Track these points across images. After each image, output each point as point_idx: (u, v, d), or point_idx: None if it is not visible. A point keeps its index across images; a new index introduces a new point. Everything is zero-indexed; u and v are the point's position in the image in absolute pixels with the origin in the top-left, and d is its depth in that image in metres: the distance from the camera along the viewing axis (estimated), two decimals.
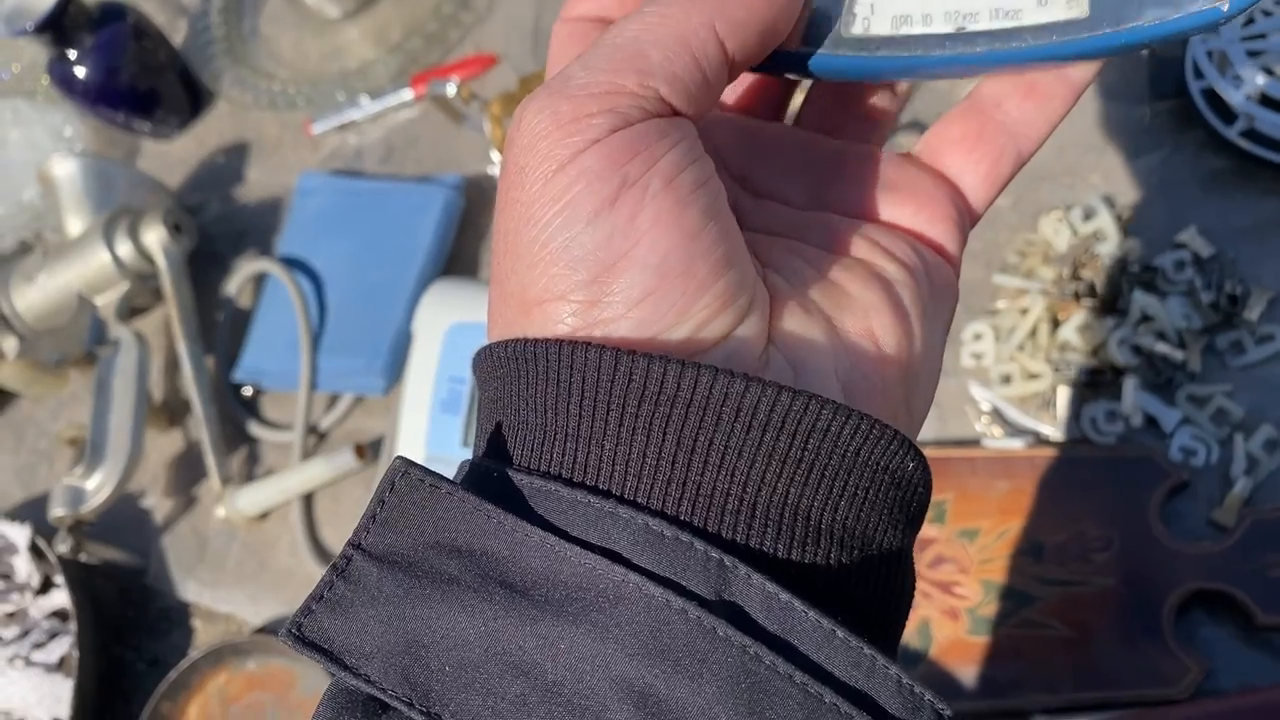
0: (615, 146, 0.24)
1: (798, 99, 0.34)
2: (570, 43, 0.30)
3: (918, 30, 0.28)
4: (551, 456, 0.25)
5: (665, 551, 0.23)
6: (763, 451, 0.24)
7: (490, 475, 0.25)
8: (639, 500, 0.24)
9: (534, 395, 0.25)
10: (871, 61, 0.29)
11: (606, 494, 0.24)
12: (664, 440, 0.24)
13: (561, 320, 0.25)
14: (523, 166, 0.25)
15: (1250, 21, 0.68)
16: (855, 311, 0.27)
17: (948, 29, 0.28)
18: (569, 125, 0.24)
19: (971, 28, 0.27)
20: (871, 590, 0.25)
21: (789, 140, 0.31)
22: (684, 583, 0.23)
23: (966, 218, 0.30)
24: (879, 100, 0.32)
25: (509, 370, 0.26)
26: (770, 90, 0.34)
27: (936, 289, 0.29)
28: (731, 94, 0.34)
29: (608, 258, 0.24)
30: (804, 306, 0.27)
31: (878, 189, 0.30)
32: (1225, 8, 0.25)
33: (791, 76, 0.32)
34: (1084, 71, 0.29)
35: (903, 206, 0.30)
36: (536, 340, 0.25)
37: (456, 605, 0.23)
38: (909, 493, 0.26)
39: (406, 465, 0.25)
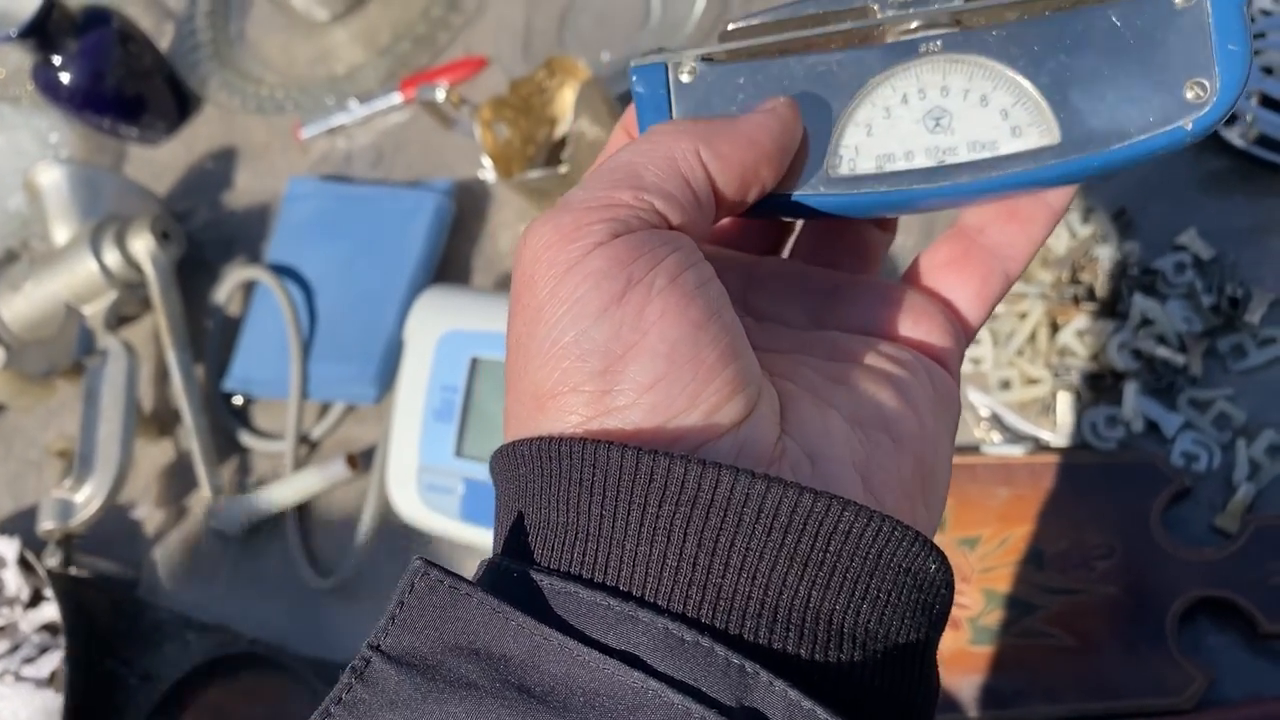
0: (619, 249, 0.25)
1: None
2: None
3: (901, 166, 0.30)
4: (572, 556, 0.25)
5: (685, 656, 0.23)
6: (784, 554, 0.24)
7: (510, 575, 0.25)
8: (659, 602, 0.24)
9: (555, 494, 0.25)
10: (859, 199, 0.30)
11: (627, 595, 0.24)
12: (685, 541, 0.24)
13: (575, 410, 0.25)
14: (531, 276, 0.26)
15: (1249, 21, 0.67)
16: (868, 405, 0.28)
17: (929, 164, 0.29)
18: (571, 234, 0.26)
19: (951, 161, 0.29)
20: (895, 693, 0.25)
21: (786, 271, 0.33)
22: (704, 689, 0.23)
23: (962, 334, 0.32)
24: (869, 234, 0.33)
25: (529, 469, 0.26)
26: (766, 229, 0.35)
27: (941, 395, 0.30)
28: (728, 234, 0.35)
29: (618, 348, 0.25)
30: (817, 400, 0.28)
31: (878, 307, 0.31)
32: (1189, 126, 0.28)
33: (785, 218, 0.33)
34: (1061, 196, 0.31)
35: (903, 321, 0.31)
36: (557, 438, 0.25)
37: (474, 711, 0.23)
38: (931, 594, 0.26)
39: (426, 566, 0.25)
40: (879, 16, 0.30)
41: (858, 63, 0.30)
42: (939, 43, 0.30)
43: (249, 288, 0.92)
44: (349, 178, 0.94)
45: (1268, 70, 0.66)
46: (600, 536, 0.24)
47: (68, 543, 0.82)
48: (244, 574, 0.84)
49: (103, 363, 0.86)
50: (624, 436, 0.25)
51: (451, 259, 0.87)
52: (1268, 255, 0.66)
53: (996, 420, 0.68)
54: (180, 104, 1.04)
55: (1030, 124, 0.29)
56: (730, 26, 0.32)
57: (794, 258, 0.34)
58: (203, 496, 0.85)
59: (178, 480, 0.90)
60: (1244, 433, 0.63)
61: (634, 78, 0.32)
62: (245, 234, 0.97)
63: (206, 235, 0.98)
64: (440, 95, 0.81)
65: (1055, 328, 0.68)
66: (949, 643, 0.63)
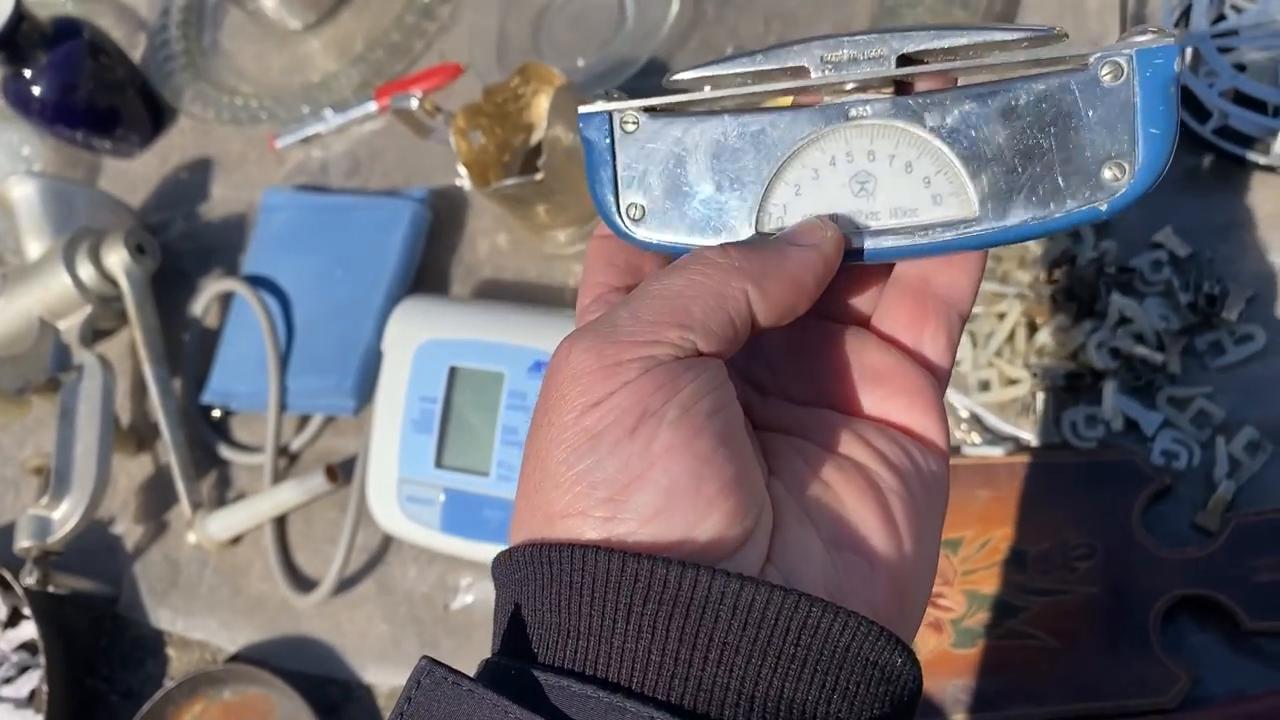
0: (644, 383, 0.27)
1: None
2: (607, 255, 0.34)
3: None
4: (565, 653, 0.27)
5: None
6: (758, 648, 0.26)
7: (508, 672, 0.27)
8: (646, 692, 0.26)
9: (550, 595, 0.27)
10: None
11: (616, 687, 0.26)
12: (667, 637, 0.26)
13: (582, 532, 0.27)
14: (564, 395, 0.28)
15: (1221, 18, 0.67)
16: (848, 526, 0.30)
17: (852, 227, 0.31)
18: (611, 368, 0.28)
19: (874, 225, 0.31)
20: None
21: (786, 332, 0.33)
22: None
23: (942, 390, 0.34)
24: (855, 285, 0.35)
25: (526, 573, 0.28)
26: None
27: (928, 489, 0.32)
28: None
29: (625, 479, 0.27)
30: (802, 521, 0.30)
31: (870, 384, 0.33)
32: (1104, 208, 0.29)
33: None
34: None
35: (893, 401, 0.33)
36: (551, 544, 0.27)
37: None
38: (899, 687, 0.28)
39: (431, 665, 0.27)
40: (813, 77, 0.31)
41: (790, 123, 0.31)
42: (869, 108, 0.30)
43: (226, 300, 0.91)
44: (325, 187, 0.94)
45: (1241, 67, 0.66)
46: (590, 634, 0.27)
47: (45, 561, 0.81)
48: (225, 588, 0.84)
49: (78, 378, 0.85)
50: (617, 550, 0.27)
51: (429, 268, 0.87)
52: (1244, 251, 0.66)
53: (976, 421, 0.68)
54: (154, 116, 1.03)
55: (950, 193, 0.30)
56: (674, 76, 0.33)
57: None
58: (182, 511, 0.84)
59: (157, 495, 0.89)
60: (1223, 430, 0.63)
61: (581, 125, 0.33)
62: (222, 246, 0.96)
63: (182, 247, 0.97)
64: (414, 104, 0.81)
65: (1033, 328, 0.67)
66: (931, 645, 0.63)
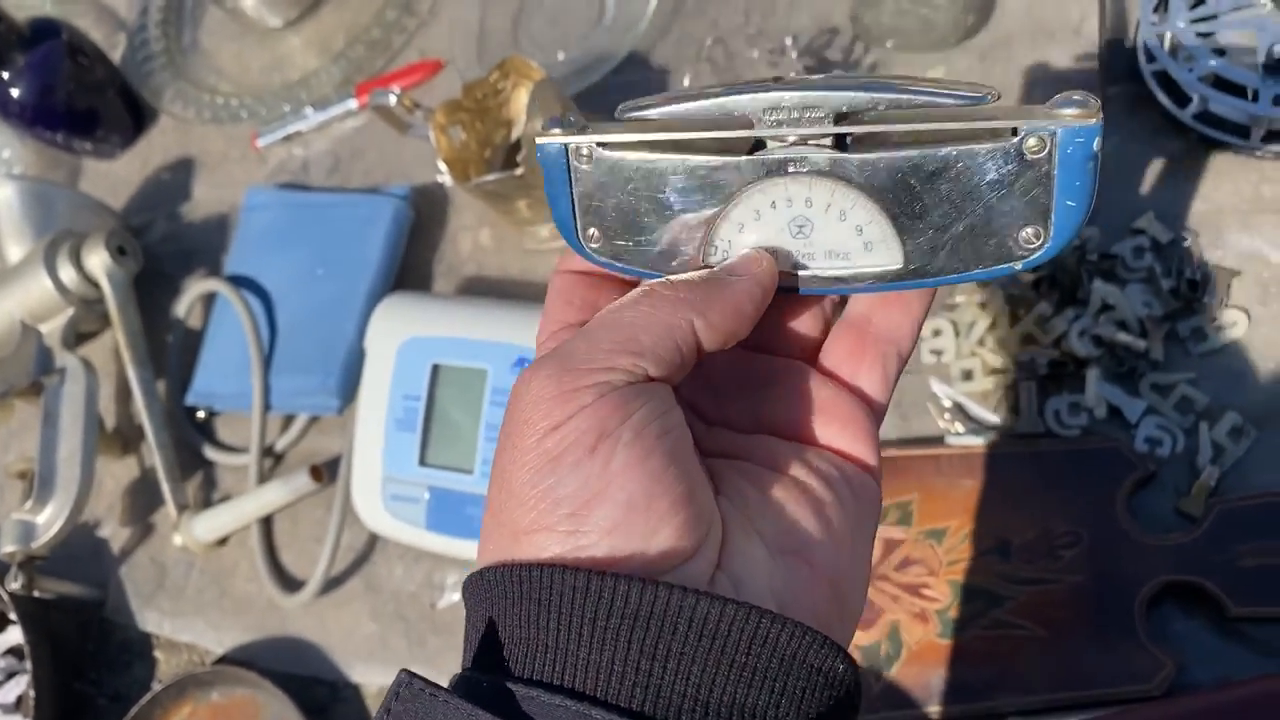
0: (601, 408, 0.30)
1: None
2: (566, 293, 0.36)
3: None
4: (535, 665, 0.29)
5: None
6: (713, 657, 0.28)
7: (480, 685, 0.29)
8: (610, 701, 0.28)
9: (519, 612, 0.29)
10: None
11: (583, 696, 0.28)
12: (629, 649, 0.28)
13: (547, 547, 0.29)
14: (526, 419, 0.30)
15: (1200, 3, 0.67)
16: (790, 534, 0.32)
17: (790, 265, 0.33)
18: (569, 393, 0.30)
19: (809, 265, 0.33)
20: None
21: (731, 363, 0.36)
22: None
23: (877, 421, 0.36)
24: (800, 324, 0.37)
25: (497, 591, 0.30)
26: None
27: (862, 505, 0.34)
28: None
29: (585, 496, 0.29)
30: (747, 531, 0.32)
31: (807, 413, 0.35)
32: (1018, 267, 0.32)
33: None
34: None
35: (829, 426, 0.35)
36: (521, 564, 0.29)
37: None
38: (841, 691, 0.30)
39: (410, 677, 0.29)
40: (756, 130, 0.33)
41: (735, 170, 0.33)
42: (806, 164, 0.32)
43: (209, 300, 0.91)
44: (306, 186, 0.93)
45: (1221, 51, 0.66)
46: (558, 648, 0.28)
47: (30, 565, 0.81)
48: (211, 590, 0.83)
49: (61, 381, 0.84)
50: (583, 569, 0.29)
51: (411, 265, 0.86)
52: (1225, 236, 0.66)
53: (960, 411, 0.68)
54: (135, 116, 1.02)
55: (880, 241, 0.32)
56: (628, 114, 0.34)
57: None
58: (168, 513, 0.84)
59: (142, 497, 0.89)
60: (1206, 415, 0.63)
61: (538, 154, 0.35)
62: (204, 246, 0.96)
63: (165, 248, 0.97)
64: (392, 100, 0.80)
65: (1016, 316, 0.67)
66: (918, 636, 0.63)
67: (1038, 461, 0.64)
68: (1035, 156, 0.30)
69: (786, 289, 0.34)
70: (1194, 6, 0.67)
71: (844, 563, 0.33)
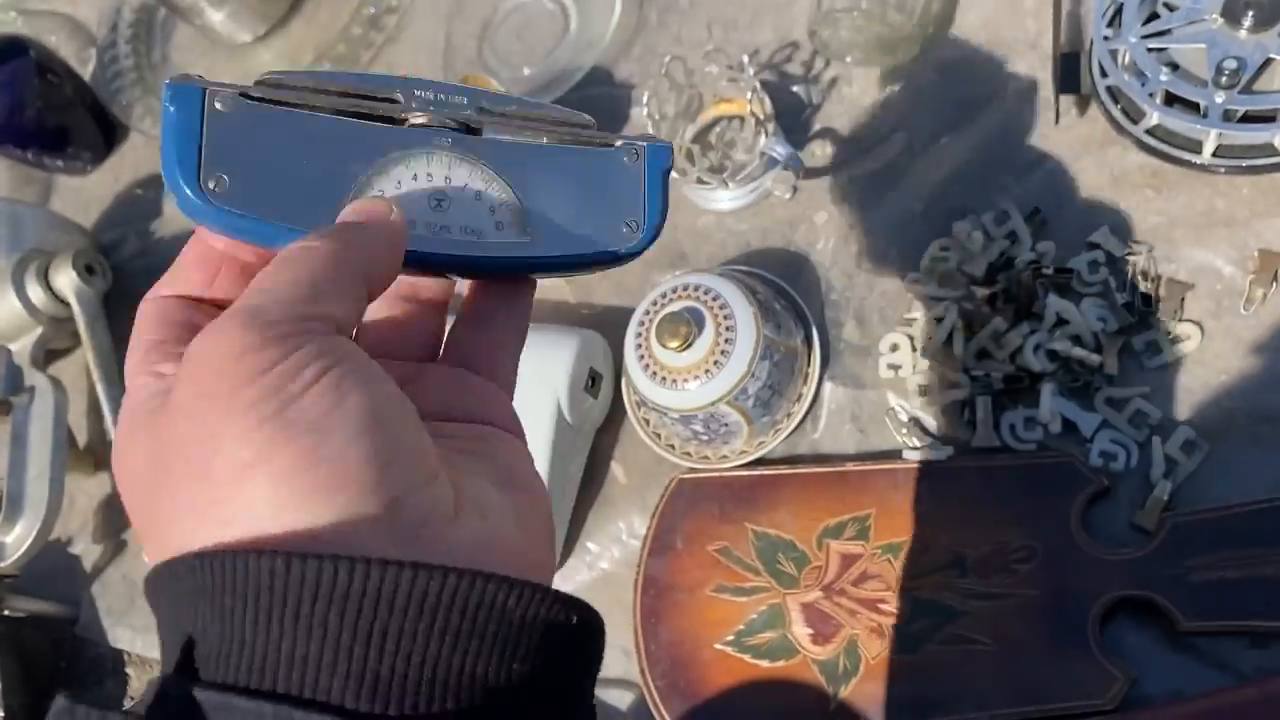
0: (311, 350, 0.28)
1: None
2: (162, 314, 0.34)
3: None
4: (236, 663, 0.25)
5: None
6: (436, 630, 0.26)
7: (169, 694, 0.25)
8: (320, 698, 0.25)
9: (212, 606, 0.26)
10: None
11: (285, 696, 0.25)
12: (341, 633, 0.25)
13: (282, 469, 0.26)
14: (232, 371, 0.27)
15: (1154, 17, 0.67)
16: (501, 471, 0.33)
17: (427, 234, 0.35)
18: (276, 339, 0.28)
19: (445, 237, 0.35)
20: None
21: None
22: None
23: (511, 396, 0.38)
24: (424, 328, 0.38)
25: (187, 584, 0.27)
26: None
27: (527, 458, 0.36)
28: None
29: (320, 414, 0.27)
30: (467, 472, 0.32)
31: (458, 394, 0.36)
32: (621, 251, 0.37)
33: None
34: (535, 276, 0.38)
35: (478, 408, 0.36)
36: (210, 553, 0.26)
37: None
38: (583, 640, 0.30)
39: (70, 705, 0.26)
40: (401, 104, 0.35)
41: (380, 137, 0.35)
42: (449, 140, 0.36)
43: None
44: None
45: (1173, 66, 0.66)
46: (258, 643, 0.25)
47: (0, 584, 0.81)
48: None
49: (30, 400, 0.85)
50: (332, 498, 0.26)
51: None
52: (1179, 251, 0.66)
53: (916, 425, 0.68)
54: (105, 133, 1.03)
55: (510, 223, 0.36)
56: (266, 75, 0.35)
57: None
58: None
59: (115, 514, 0.89)
60: (1160, 430, 0.63)
61: (166, 94, 0.33)
62: None
63: (136, 265, 0.97)
64: None
65: (972, 331, 0.68)
66: (875, 651, 0.63)
67: (993, 476, 0.65)
68: (630, 165, 0.38)
69: (421, 261, 0.35)
70: (1146, 21, 0.67)
71: (545, 493, 0.35)
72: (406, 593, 0.25)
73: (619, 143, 0.38)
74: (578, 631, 0.29)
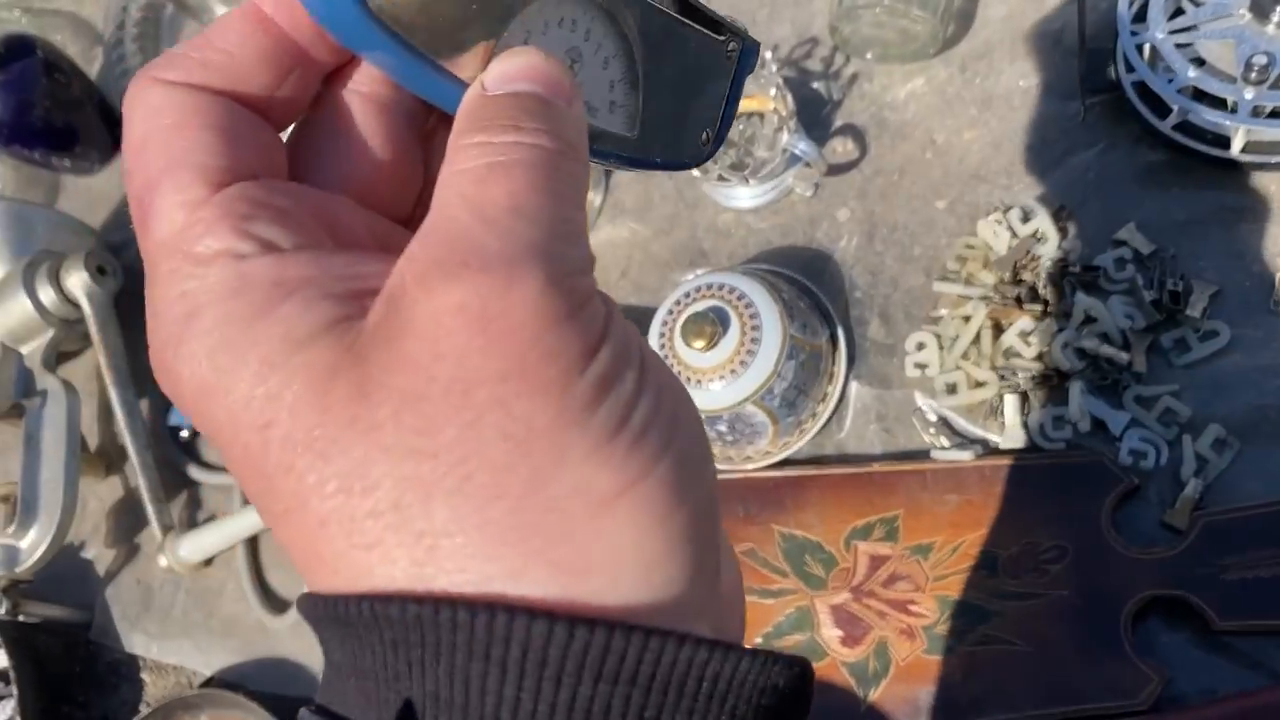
0: (625, 324, 0.23)
1: None
2: (202, 125, 0.24)
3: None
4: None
5: None
6: (652, 700, 0.21)
7: None
8: None
9: (437, 662, 0.20)
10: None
11: None
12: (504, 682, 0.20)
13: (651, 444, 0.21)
14: (546, 350, 0.21)
15: (1179, 13, 0.67)
16: None
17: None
18: (581, 307, 0.22)
19: None
20: None
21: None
22: None
23: None
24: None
25: (414, 634, 0.21)
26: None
27: None
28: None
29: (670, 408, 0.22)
30: None
31: None
32: (690, 162, 0.31)
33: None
34: None
35: None
36: (383, 597, 0.20)
37: None
38: (788, 704, 0.23)
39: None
40: None
41: None
42: None
43: None
44: None
45: (1200, 62, 0.66)
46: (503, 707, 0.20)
47: (15, 589, 0.80)
48: (198, 611, 0.83)
49: (42, 403, 0.84)
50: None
51: None
52: (1206, 247, 0.66)
53: (945, 425, 0.68)
54: (113, 132, 1.01)
55: (622, 106, 0.29)
56: None
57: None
58: (153, 534, 0.83)
59: (127, 518, 0.88)
60: (1190, 428, 0.63)
61: None
62: None
63: None
64: None
65: (999, 330, 0.67)
66: (905, 652, 0.63)
67: (1023, 475, 0.64)
68: (727, 61, 0.31)
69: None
70: (1173, 17, 0.66)
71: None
72: (581, 649, 0.20)
73: (723, 34, 0.31)
74: (793, 682, 0.23)
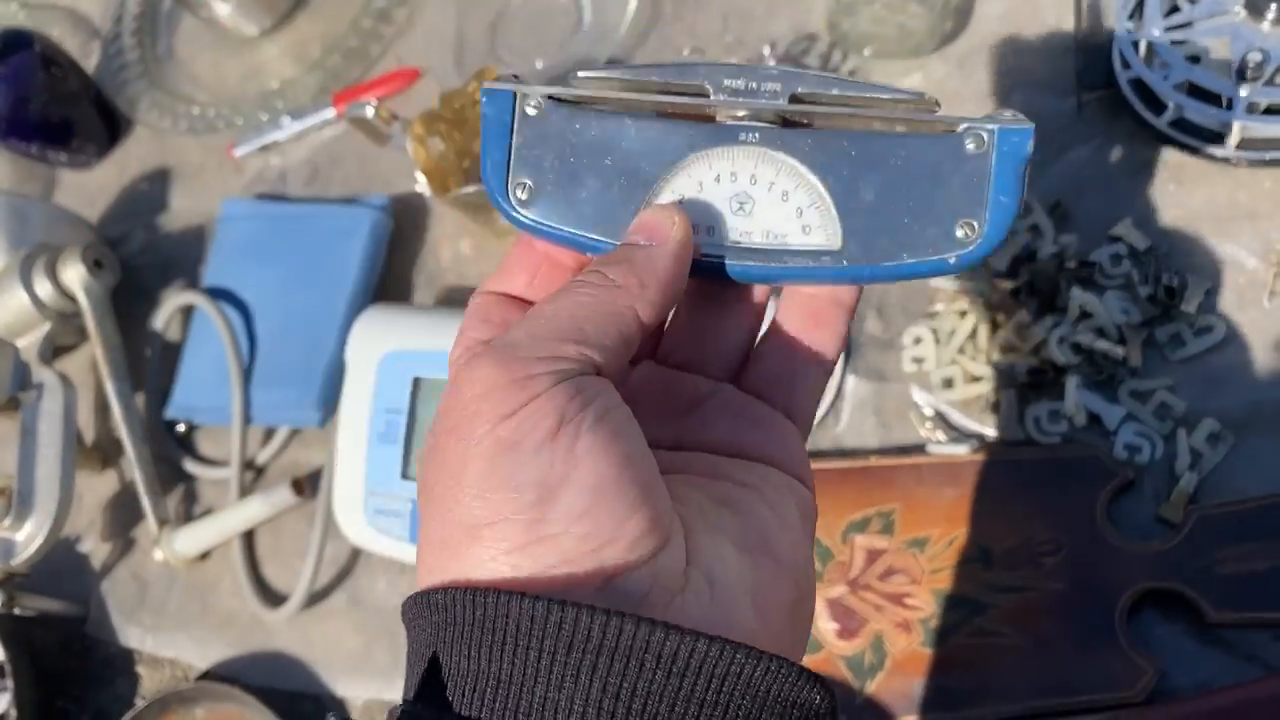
0: (557, 395, 0.28)
1: None
2: (484, 312, 0.34)
3: (701, 239, 0.33)
4: (484, 701, 0.26)
5: None
6: (681, 696, 0.26)
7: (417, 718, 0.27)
8: None
9: (468, 641, 0.27)
10: None
11: None
12: (590, 686, 0.26)
13: (507, 538, 0.27)
14: (475, 411, 0.28)
15: (1174, 9, 0.67)
16: (753, 532, 0.31)
17: (726, 241, 0.33)
18: (521, 381, 0.28)
19: (746, 244, 0.33)
20: None
21: (653, 382, 0.36)
22: None
23: (805, 436, 0.36)
24: (726, 343, 0.36)
25: (443, 616, 0.27)
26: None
27: (803, 512, 0.34)
28: None
29: (550, 481, 0.27)
30: (709, 528, 0.31)
31: (740, 431, 0.35)
32: (952, 260, 0.31)
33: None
34: (850, 294, 0.35)
35: (761, 444, 0.34)
36: (472, 585, 0.27)
37: None
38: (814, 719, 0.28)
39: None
40: (711, 99, 0.33)
41: (683, 135, 0.33)
42: (757, 135, 0.32)
43: (188, 313, 0.90)
44: (284, 196, 0.93)
45: (1195, 59, 0.66)
46: (511, 682, 0.26)
47: (10, 583, 0.80)
48: (194, 605, 0.83)
49: (39, 397, 0.84)
50: (550, 567, 0.27)
51: (391, 276, 0.86)
52: (1201, 243, 0.66)
53: (941, 419, 0.68)
54: (110, 126, 1.02)
55: (819, 226, 0.32)
56: (580, 74, 0.34)
57: (660, 357, 0.37)
58: (149, 528, 0.83)
59: (123, 512, 0.88)
60: (1185, 422, 0.63)
61: (484, 99, 0.34)
62: (182, 257, 0.95)
63: (143, 260, 0.96)
64: (369, 112, 0.80)
65: (995, 324, 0.68)
66: (901, 645, 0.63)
67: (1018, 470, 0.65)
68: (975, 153, 0.31)
69: (716, 270, 0.33)
70: (1168, 14, 0.67)
71: (801, 560, 0.32)
72: (656, 653, 0.26)
73: (963, 126, 0.31)
74: (821, 709, 0.28)
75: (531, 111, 0.34)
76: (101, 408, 0.92)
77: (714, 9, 0.84)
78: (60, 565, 0.87)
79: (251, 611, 0.80)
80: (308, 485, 0.80)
